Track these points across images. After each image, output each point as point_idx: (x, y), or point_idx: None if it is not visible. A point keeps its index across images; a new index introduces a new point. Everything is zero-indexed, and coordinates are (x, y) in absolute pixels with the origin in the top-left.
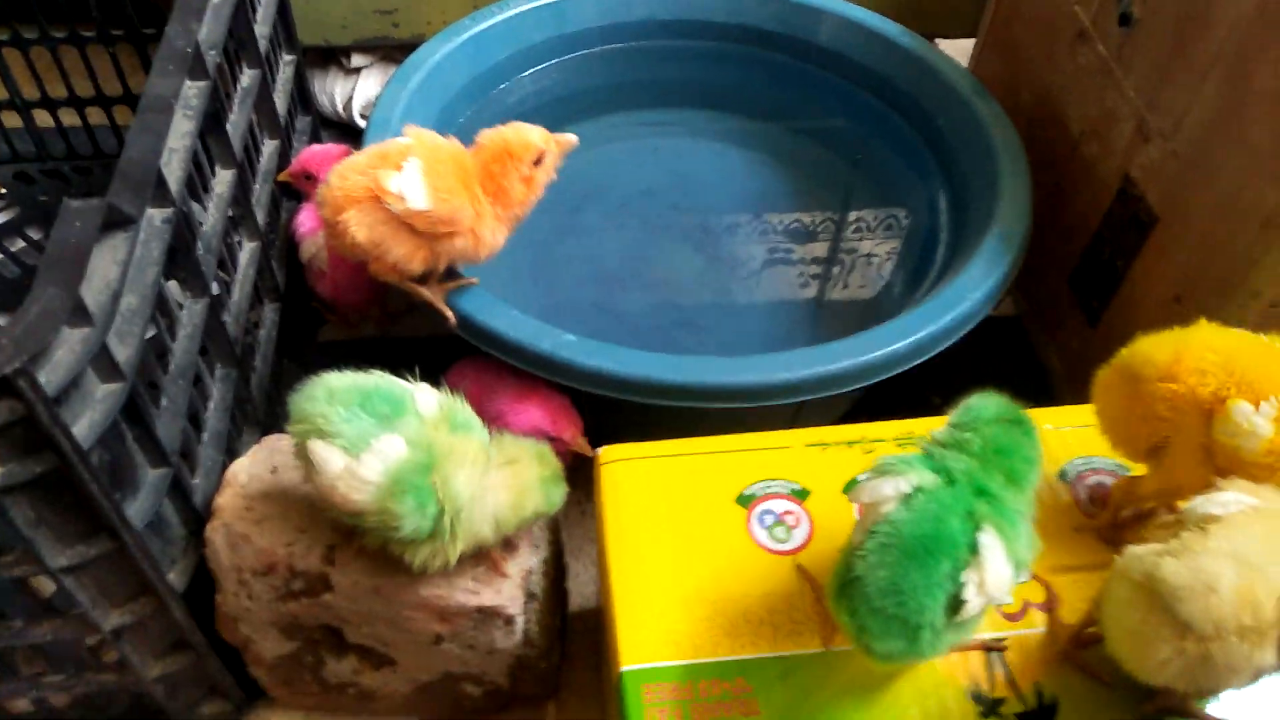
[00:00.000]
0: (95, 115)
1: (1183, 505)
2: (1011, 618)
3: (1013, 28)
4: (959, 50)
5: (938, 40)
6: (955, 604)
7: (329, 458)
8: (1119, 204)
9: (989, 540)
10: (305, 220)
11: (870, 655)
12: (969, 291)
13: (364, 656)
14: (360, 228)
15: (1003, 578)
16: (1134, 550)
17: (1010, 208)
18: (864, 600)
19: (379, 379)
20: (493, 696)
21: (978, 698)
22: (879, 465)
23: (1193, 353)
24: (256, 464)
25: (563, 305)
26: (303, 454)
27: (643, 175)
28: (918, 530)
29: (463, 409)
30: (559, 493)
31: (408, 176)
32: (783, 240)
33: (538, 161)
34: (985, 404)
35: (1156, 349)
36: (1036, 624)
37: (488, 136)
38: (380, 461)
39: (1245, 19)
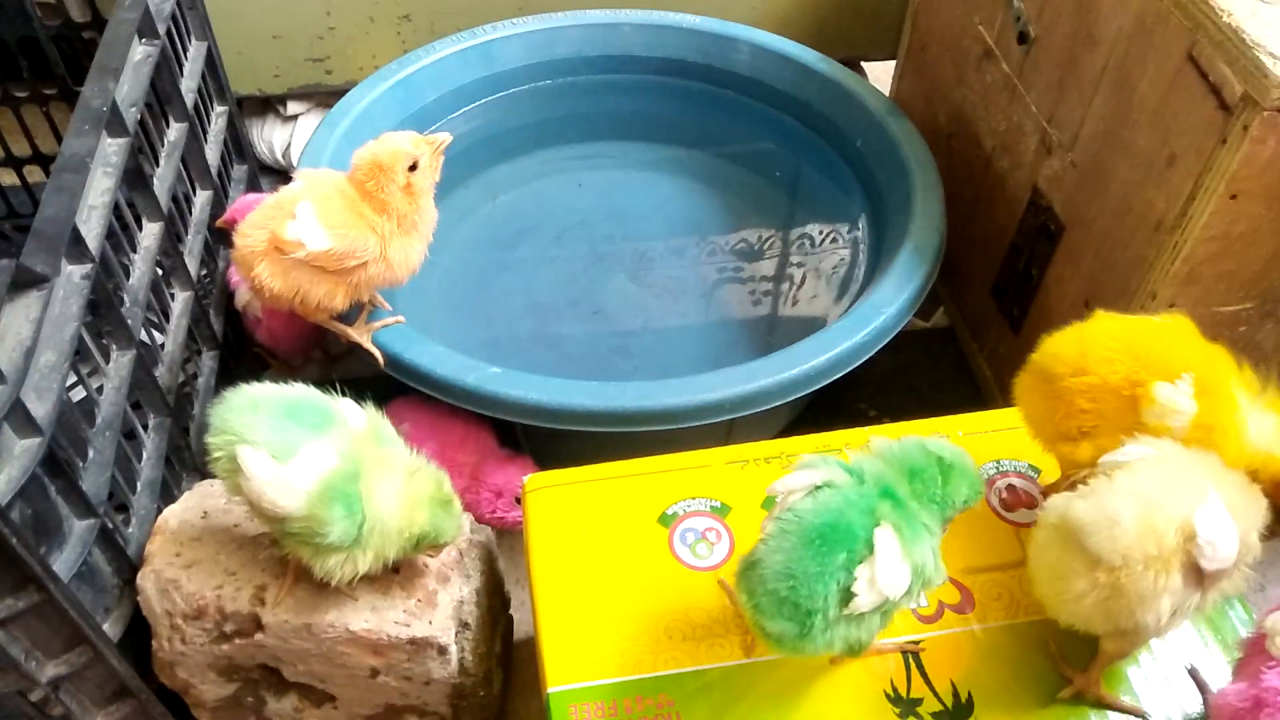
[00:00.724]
0: (34, 174)
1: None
2: (928, 620)
3: (928, 50)
4: (883, 72)
5: (863, 63)
6: (847, 596)
7: (259, 462)
8: (1030, 215)
9: (884, 536)
10: (235, 270)
11: (764, 637)
12: (885, 305)
13: (304, 694)
14: (274, 278)
15: (895, 575)
16: (1052, 499)
17: (923, 222)
18: (760, 582)
19: (304, 391)
20: None
21: (896, 699)
22: (798, 462)
23: (1096, 344)
24: (188, 510)
25: (501, 339)
26: (228, 466)
27: (576, 207)
28: (817, 520)
29: (387, 425)
30: (449, 522)
31: (302, 222)
32: (714, 264)
33: (412, 168)
34: (919, 438)
35: (1062, 347)
36: (952, 625)
37: (358, 155)
38: (311, 468)
39: (1126, 34)
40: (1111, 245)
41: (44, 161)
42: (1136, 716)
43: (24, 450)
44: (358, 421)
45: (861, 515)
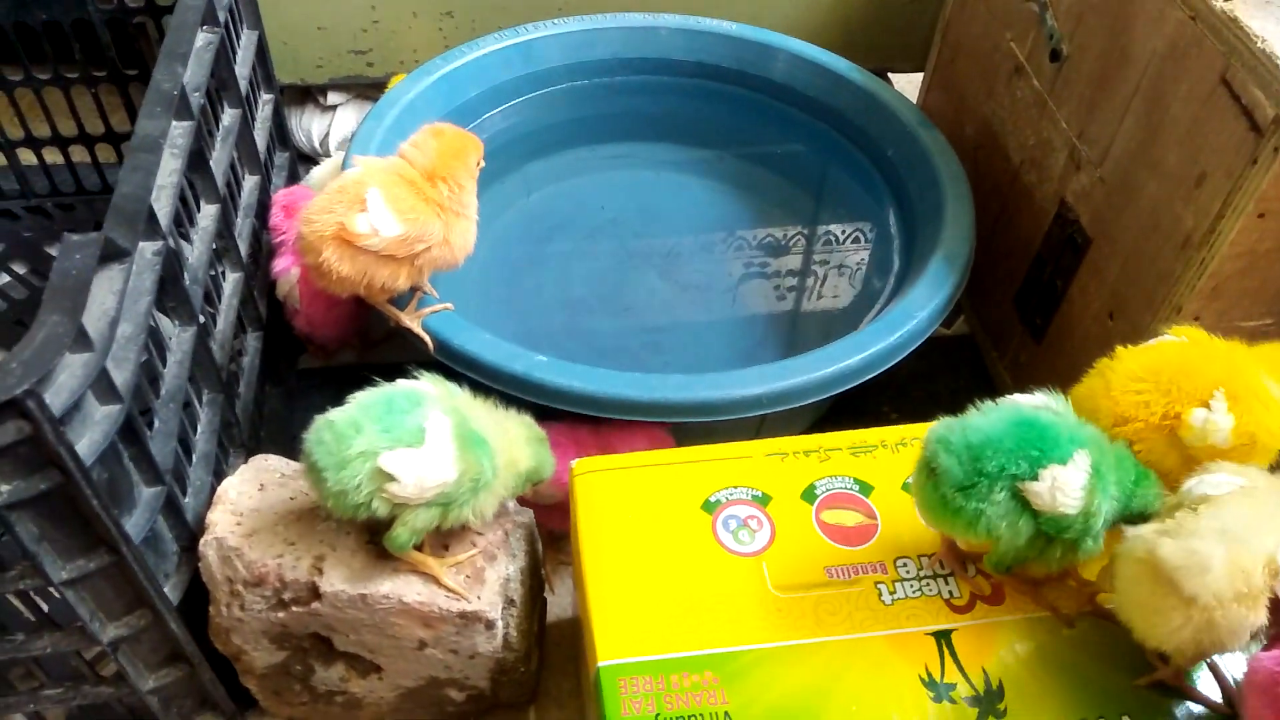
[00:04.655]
0: (78, 153)
1: (1182, 487)
2: (960, 610)
3: (956, 64)
4: (910, 83)
5: (890, 74)
6: (1021, 480)
7: (404, 460)
8: (1056, 227)
9: (1081, 458)
10: (278, 260)
11: (927, 472)
12: (916, 310)
13: (351, 664)
14: (342, 263)
15: (1073, 491)
16: (1135, 531)
17: (954, 232)
18: (963, 428)
19: (375, 390)
20: (475, 701)
21: (930, 684)
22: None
23: (1126, 390)
24: (245, 483)
25: (535, 331)
26: (369, 488)
27: (609, 205)
28: (1031, 417)
29: (454, 385)
30: (547, 457)
31: (374, 210)
32: (743, 264)
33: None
34: (1124, 446)
35: (1095, 401)
36: (984, 616)
37: (424, 144)
38: (442, 436)
39: (1159, 55)
40: (1138, 259)
41: (89, 142)
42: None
43: (105, 416)
44: (430, 388)
45: (1068, 438)
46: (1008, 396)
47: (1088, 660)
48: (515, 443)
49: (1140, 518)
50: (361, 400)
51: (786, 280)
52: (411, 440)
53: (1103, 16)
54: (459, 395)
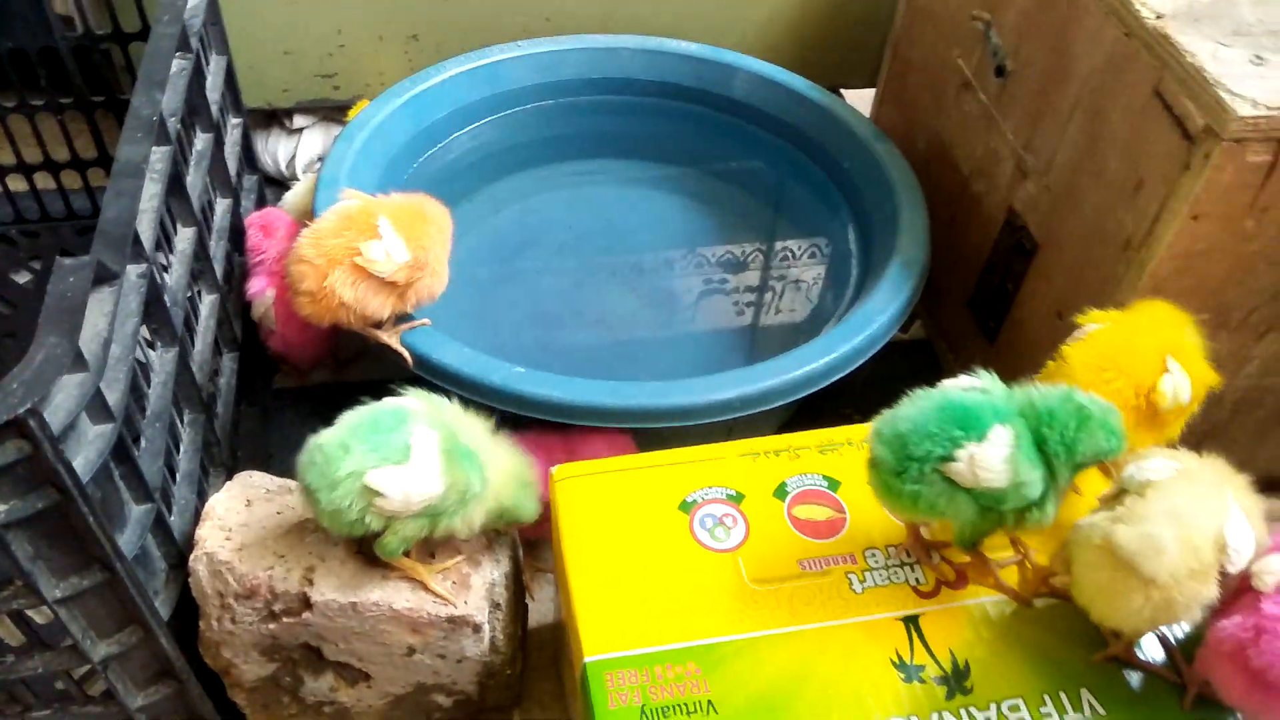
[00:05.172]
0: (42, 180)
1: (1120, 475)
2: (926, 595)
3: (907, 80)
4: (863, 99)
5: (843, 90)
6: (947, 461)
7: (390, 476)
8: (1005, 234)
9: (1000, 432)
10: (254, 281)
11: (870, 464)
12: (876, 315)
13: (340, 674)
14: (345, 288)
15: (993, 465)
16: (1089, 519)
17: (910, 239)
18: (890, 418)
19: (361, 409)
20: (462, 706)
21: (900, 666)
22: (972, 371)
23: (1096, 384)
24: (232, 499)
25: (508, 345)
26: (360, 505)
27: (576, 222)
28: (954, 400)
29: (440, 398)
30: (530, 501)
31: (388, 236)
32: (709, 276)
33: None
34: (1066, 389)
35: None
36: (949, 600)
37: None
38: (428, 449)
39: (1098, 70)
40: (1082, 262)
41: (54, 169)
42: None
43: (99, 435)
44: (416, 403)
45: (992, 415)
46: (943, 381)
47: (1047, 637)
48: (504, 476)
49: (1101, 464)
50: (348, 421)
51: (751, 290)
52: (398, 457)
53: (1044, 33)
54: (447, 409)
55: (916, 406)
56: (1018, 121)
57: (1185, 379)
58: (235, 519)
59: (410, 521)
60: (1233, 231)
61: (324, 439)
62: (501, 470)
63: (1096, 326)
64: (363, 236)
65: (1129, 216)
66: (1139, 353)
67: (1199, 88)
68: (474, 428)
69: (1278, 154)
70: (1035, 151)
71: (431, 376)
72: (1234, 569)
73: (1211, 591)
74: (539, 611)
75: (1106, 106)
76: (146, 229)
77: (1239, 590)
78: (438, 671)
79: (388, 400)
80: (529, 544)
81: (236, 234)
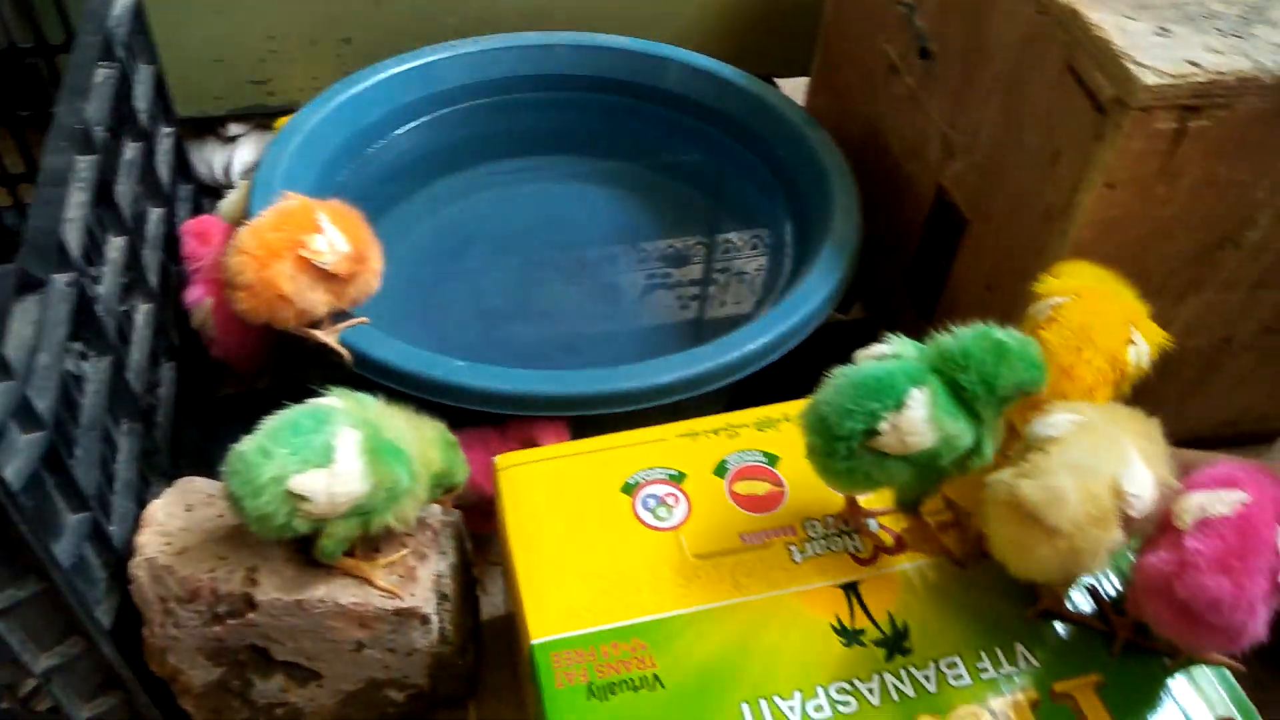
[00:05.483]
0: None
1: (1027, 432)
2: (865, 562)
3: (838, 67)
4: (796, 87)
5: (777, 80)
6: (873, 434)
7: (312, 480)
8: (936, 212)
9: (916, 395)
10: (193, 289)
11: (807, 449)
12: (811, 296)
13: (290, 674)
14: (285, 280)
15: (917, 427)
16: (996, 476)
17: (842, 221)
18: (811, 407)
19: (286, 411)
20: (416, 700)
21: (841, 631)
22: (886, 337)
23: (1077, 363)
24: (171, 504)
25: (451, 342)
26: (286, 510)
27: (517, 218)
28: (866, 373)
29: (363, 395)
30: (460, 461)
31: (329, 230)
32: (651, 266)
33: None
34: (981, 327)
35: (1054, 389)
36: (887, 565)
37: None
38: (350, 449)
39: (1015, 47)
40: (1009, 234)
41: None
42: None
43: (28, 444)
44: (338, 403)
45: (906, 379)
46: (856, 352)
47: (981, 596)
48: (429, 445)
49: (1028, 396)
50: (269, 426)
51: (691, 279)
52: (320, 459)
53: (964, 15)
54: (371, 406)
55: (832, 386)
56: (943, 102)
57: (1146, 346)
58: (175, 524)
59: (341, 523)
60: (1146, 198)
61: (245, 446)
62: (426, 440)
63: (1059, 299)
64: (303, 230)
65: (1049, 188)
66: (1109, 326)
67: (1108, 60)
68: (396, 418)
69: (1184, 121)
70: (960, 130)
71: (372, 375)
72: (1135, 514)
73: (1115, 537)
74: (492, 605)
75: (1024, 82)
76: (73, 238)
77: (1163, 529)
78: (388, 666)
79: (310, 401)
80: (480, 539)
81: (172, 243)
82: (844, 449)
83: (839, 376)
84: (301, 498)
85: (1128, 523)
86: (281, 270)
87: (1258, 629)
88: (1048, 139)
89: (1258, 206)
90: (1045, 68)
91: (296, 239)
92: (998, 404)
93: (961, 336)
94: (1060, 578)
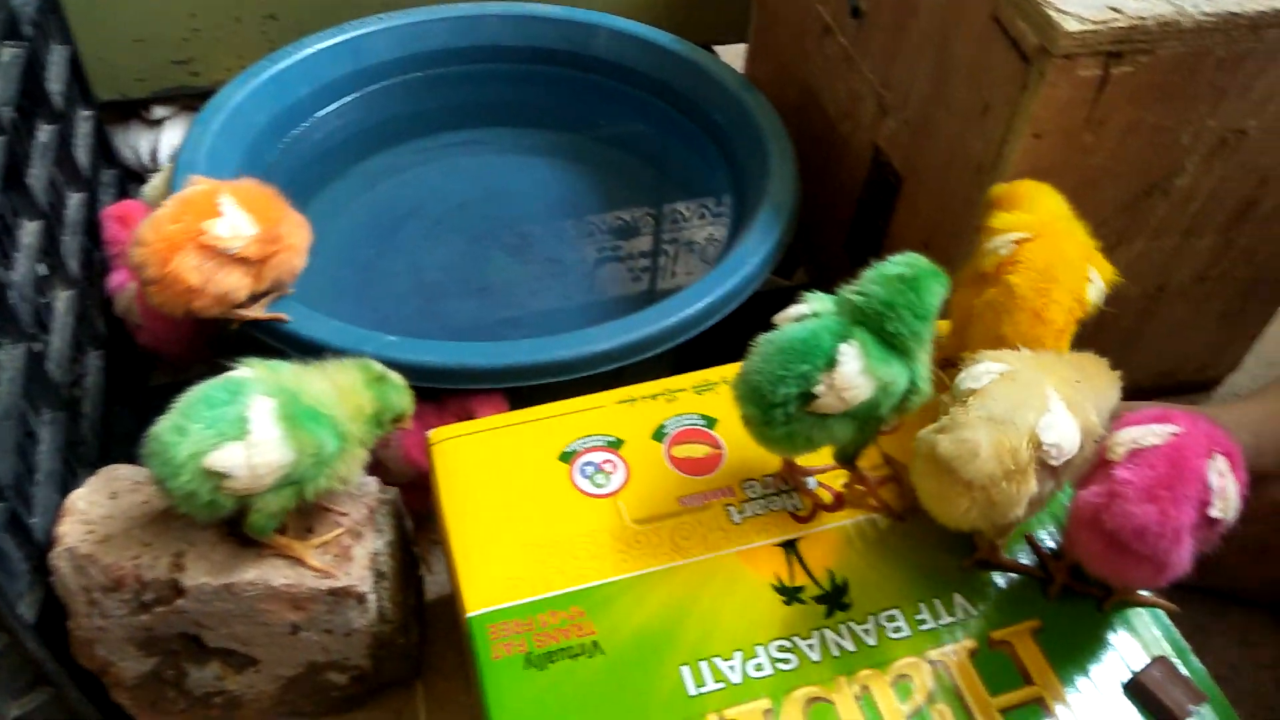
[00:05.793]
0: None
1: (951, 384)
2: (803, 520)
3: (774, 31)
4: (737, 54)
5: (717, 47)
6: (808, 397)
7: (230, 454)
8: (873, 171)
9: (846, 350)
10: (115, 275)
11: (742, 420)
12: (747, 259)
13: (225, 660)
14: (190, 272)
15: (853, 381)
16: (921, 433)
17: (779, 184)
18: (741, 377)
19: (197, 386)
20: (359, 682)
21: (781, 589)
22: (802, 297)
23: (1049, 304)
24: (94, 492)
25: (390, 319)
26: (208, 489)
27: (456, 192)
28: (792, 335)
29: (277, 361)
30: (393, 393)
31: (231, 213)
32: (592, 239)
33: None
34: (892, 260)
35: (1029, 331)
36: (826, 523)
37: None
38: (266, 420)
39: (941, 3)
40: (942, 190)
41: None
42: (1020, 571)
43: None
44: (250, 372)
45: (830, 336)
46: (775, 317)
47: (919, 548)
48: (354, 391)
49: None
50: (181, 403)
51: (635, 250)
52: (235, 432)
53: None
54: (284, 371)
55: (759, 355)
56: (875, 60)
57: (1101, 284)
58: (98, 512)
59: (271, 496)
60: (1074, 147)
61: (159, 425)
62: (348, 388)
63: (1018, 235)
64: (203, 217)
65: (979, 141)
66: (1071, 265)
67: (1030, 9)
68: (314, 378)
69: (1107, 68)
70: (892, 88)
71: (303, 353)
72: (1056, 463)
73: (1031, 488)
74: (438, 584)
75: (951, 37)
76: None
77: (1098, 464)
78: (327, 648)
79: (223, 375)
80: (423, 517)
81: (95, 229)
82: (781, 415)
83: (764, 344)
84: (222, 474)
85: (1053, 472)
86: (185, 262)
87: (1183, 559)
88: (976, 92)
89: (1184, 153)
90: (971, 20)
91: (196, 228)
92: (927, 327)
93: (870, 291)
94: (984, 527)
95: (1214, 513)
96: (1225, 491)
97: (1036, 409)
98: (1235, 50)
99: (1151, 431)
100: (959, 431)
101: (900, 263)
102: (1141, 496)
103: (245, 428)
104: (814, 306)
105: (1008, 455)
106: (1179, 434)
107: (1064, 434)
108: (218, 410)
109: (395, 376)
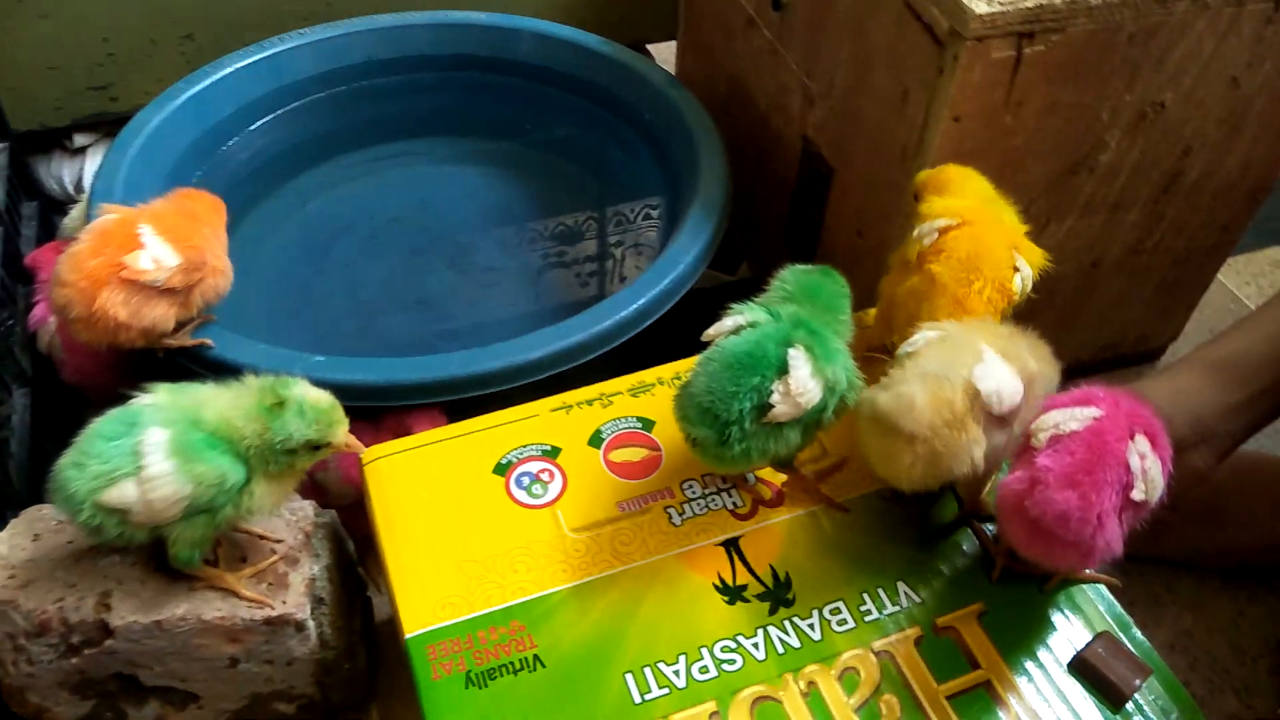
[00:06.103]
0: None
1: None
2: (744, 518)
3: (701, 26)
4: (668, 52)
5: (648, 46)
6: (764, 409)
7: (125, 490)
8: (804, 163)
9: (796, 355)
10: (35, 311)
11: (692, 444)
12: (681, 256)
13: (165, 699)
14: (118, 307)
15: (806, 386)
16: (862, 395)
17: (709, 180)
18: (688, 398)
19: (99, 417)
20: (308, 710)
21: (723, 589)
22: (729, 310)
23: (970, 295)
24: (16, 535)
25: (326, 338)
26: (113, 521)
27: (389, 205)
28: (737, 349)
29: (182, 385)
30: (299, 420)
31: (152, 244)
32: (530, 244)
33: None
34: (795, 267)
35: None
36: (766, 518)
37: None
38: (159, 453)
39: None
40: (871, 178)
41: None
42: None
43: None
44: (149, 399)
45: (776, 345)
46: (705, 333)
47: (862, 538)
48: (254, 418)
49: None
50: (82, 435)
51: (572, 253)
52: (129, 467)
53: None
54: (190, 396)
55: (705, 374)
56: (799, 51)
57: (1029, 270)
58: (20, 556)
59: (182, 526)
60: (994, 129)
61: (60, 462)
62: (252, 412)
63: (944, 223)
64: (124, 250)
65: (901, 127)
66: (995, 255)
67: None
68: (221, 402)
69: (1020, 48)
70: (817, 78)
71: (233, 377)
72: (998, 410)
73: (974, 436)
74: (388, 605)
75: (868, 24)
76: None
77: (1022, 450)
78: (270, 678)
79: (124, 404)
80: (367, 538)
81: (15, 263)
82: (737, 432)
83: (707, 363)
84: (120, 511)
85: (1001, 422)
86: (111, 298)
87: (1109, 542)
88: (895, 78)
89: (1104, 129)
90: (885, 8)
91: (117, 262)
92: (846, 329)
93: (800, 292)
94: (932, 484)
95: (1136, 495)
96: (1147, 473)
97: (969, 362)
98: (1145, 24)
99: (1072, 416)
100: (896, 387)
101: (804, 269)
102: (1062, 483)
103: (138, 462)
104: (749, 317)
105: (944, 405)
106: (1099, 418)
107: (1000, 381)
108: (111, 445)
109: (314, 400)
